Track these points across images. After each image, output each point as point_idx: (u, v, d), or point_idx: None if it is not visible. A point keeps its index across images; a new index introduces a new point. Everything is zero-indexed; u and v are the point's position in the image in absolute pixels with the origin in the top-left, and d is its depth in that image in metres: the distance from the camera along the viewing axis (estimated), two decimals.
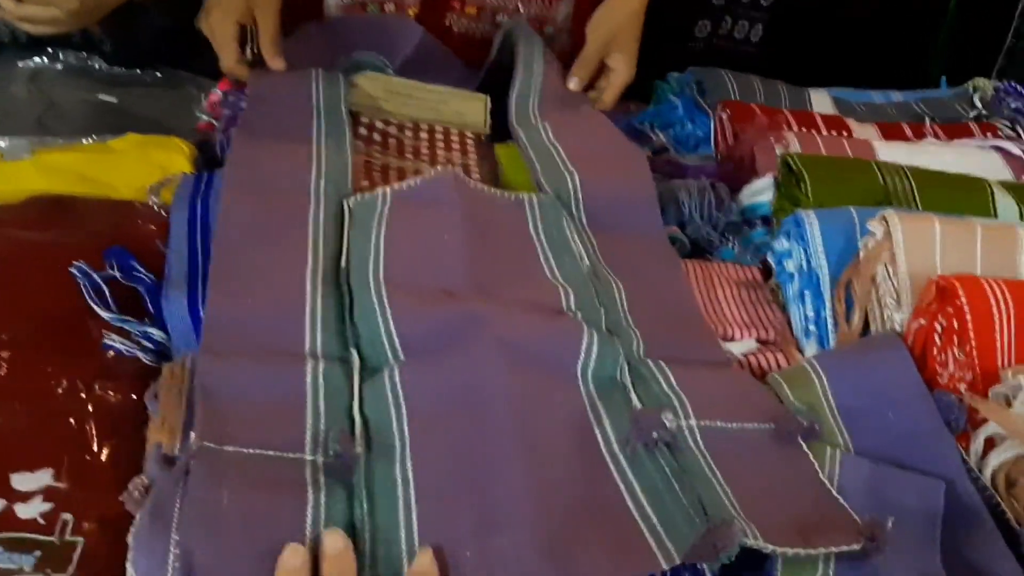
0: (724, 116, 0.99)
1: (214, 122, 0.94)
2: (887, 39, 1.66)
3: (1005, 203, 0.80)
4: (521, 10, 1.14)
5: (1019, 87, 1.12)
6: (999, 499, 0.57)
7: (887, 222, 0.70)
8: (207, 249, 0.67)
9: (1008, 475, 0.58)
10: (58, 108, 0.91)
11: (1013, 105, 1.11)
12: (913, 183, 0.80)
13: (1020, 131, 1.07)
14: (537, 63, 0.99)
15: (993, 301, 0.63)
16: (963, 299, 0.63)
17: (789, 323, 0.72)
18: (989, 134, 1.02)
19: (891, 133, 1.01)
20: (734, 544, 0.48)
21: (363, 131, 0.95)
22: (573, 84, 1.00)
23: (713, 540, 0.48)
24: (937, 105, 1.13)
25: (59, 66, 1.00)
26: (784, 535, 0.50)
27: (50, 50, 1.01)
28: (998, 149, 0.95)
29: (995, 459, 0.58)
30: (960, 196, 0.80)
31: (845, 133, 1.00)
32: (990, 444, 0.59)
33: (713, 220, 0.85)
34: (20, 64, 0.99)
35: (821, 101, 1.10)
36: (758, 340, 0.70)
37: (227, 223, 0.66)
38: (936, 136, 1.02)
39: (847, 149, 0.92)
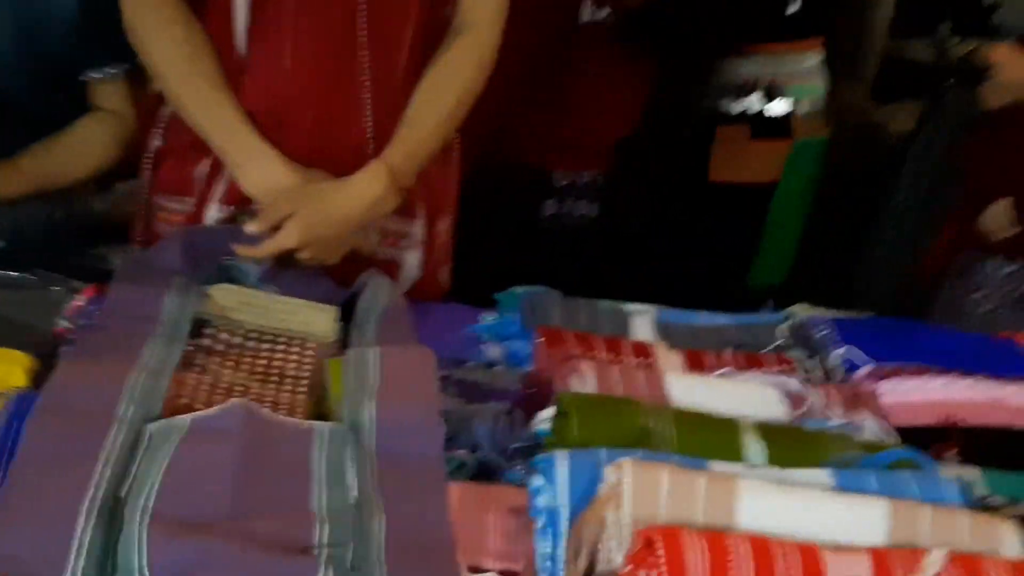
0: (540, 341, 1.10)
1: (69, 329, 1.03)
2: (710, 226, 1.88)
3: (755, 447, 0.90)
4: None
5: (821, 320, 1.24)
6: None
7: (620, 469, 0.79)
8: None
9: None
10: None
11: (817, 334, 1.23)
12: (673, 426, 0.90)
13: (820, 360, 1.18)
14: (382, 295, 1.11)
15: (690, 555, 0.72)
16: (661, 551, 0.72)
17: None
18: (784, 365, 1.14)
19: (693, 362, 1.13)
20: None
21: (207, 341, 1.04)
22: (248, 227, 1.15)
23: None
24: (750, 332, 1.24)
25: None
26: None
27: None
28: (778, 385, 1.06)
29: None
30: (713, 439, 0.90)
31: (650, 359, 1.11)
32: None
33: (500, 446, 0.94)
34: None
35: (642, 325, 1.22)
36: (503, 571, 0.78)
37: (25, 450, 0.75)
38: (735, 365, 1.13)
39: (639, 381, 1.02)
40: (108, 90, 1.27)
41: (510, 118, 1.70)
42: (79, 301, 1.07)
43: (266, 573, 0.68)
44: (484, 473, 0.92)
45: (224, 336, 1.06)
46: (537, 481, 0.83)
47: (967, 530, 0.80)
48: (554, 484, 0.82)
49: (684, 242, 1.93)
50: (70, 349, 0.96)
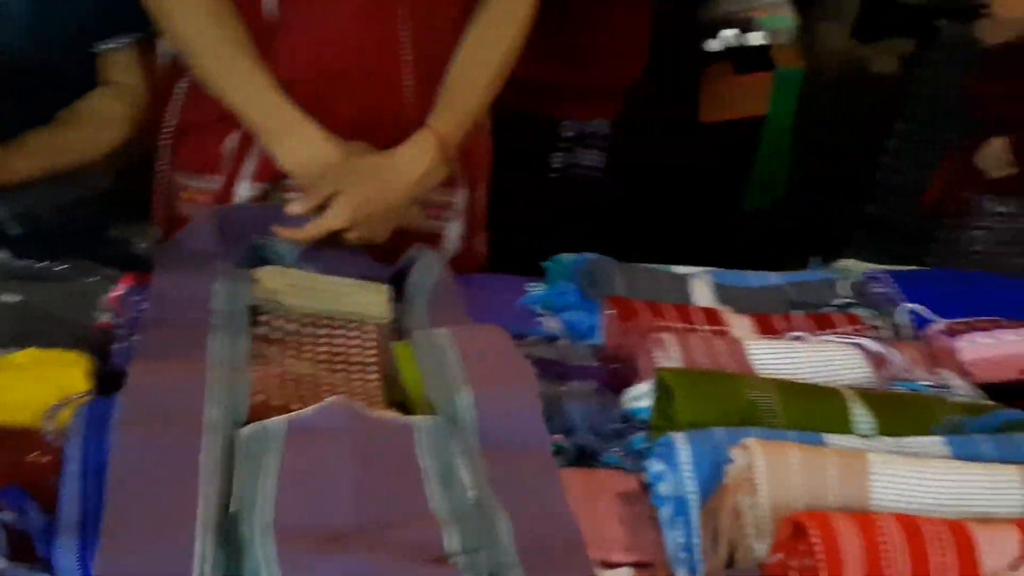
0: (610, 313, 1.05)
1: (113, 322, 0.96)
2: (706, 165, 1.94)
3: (860, 415, 0.87)
4: None
5: (879, 275, 1.21)
6: None
7: (749, 450, 0.76)
8: (100, 489, 0.69)
9: None
10: None
11: (878, 291, 1.20)
12: (779, 398, 0.87)
13: (882, 321, 1.15)
14: (433, 271, 1.05)
15: (845, 540, 0.69)
16: (817, 538, 0.68)
17: None
18: (851, 327, 1.11)
19: (764, 327, 1.09)
20: None
21: (263, 330, 0.98)
22: (293, 207, 1.07)
23: None
24: (807, 290, 1.21)
25: None
26: None
27: None
28: (858, 346, 1.03)
29: None
30: (820, 410, 0.87)
31: (722, 326, 1.07)
32: None
33: (597, 427, 0.90)
34: None
35: (702, 289, 1.17)
36: (636, 564, 0.75)
37: (119, 466, 0.69)
38: (806, 327, 1.10)
39: (722, 351, 0.98)
40: (119, 61, 1.17)
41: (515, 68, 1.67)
42: (118, 291, 1.00)
43: None
44: (581, 458, 0.88)
45: (279, 323, 0.99)
46: (657, 466, 0.79)
47: None
48: (677, 470, 0.78)
49: (679, 183, 1.97)
50: (126, 347, 0.89)
